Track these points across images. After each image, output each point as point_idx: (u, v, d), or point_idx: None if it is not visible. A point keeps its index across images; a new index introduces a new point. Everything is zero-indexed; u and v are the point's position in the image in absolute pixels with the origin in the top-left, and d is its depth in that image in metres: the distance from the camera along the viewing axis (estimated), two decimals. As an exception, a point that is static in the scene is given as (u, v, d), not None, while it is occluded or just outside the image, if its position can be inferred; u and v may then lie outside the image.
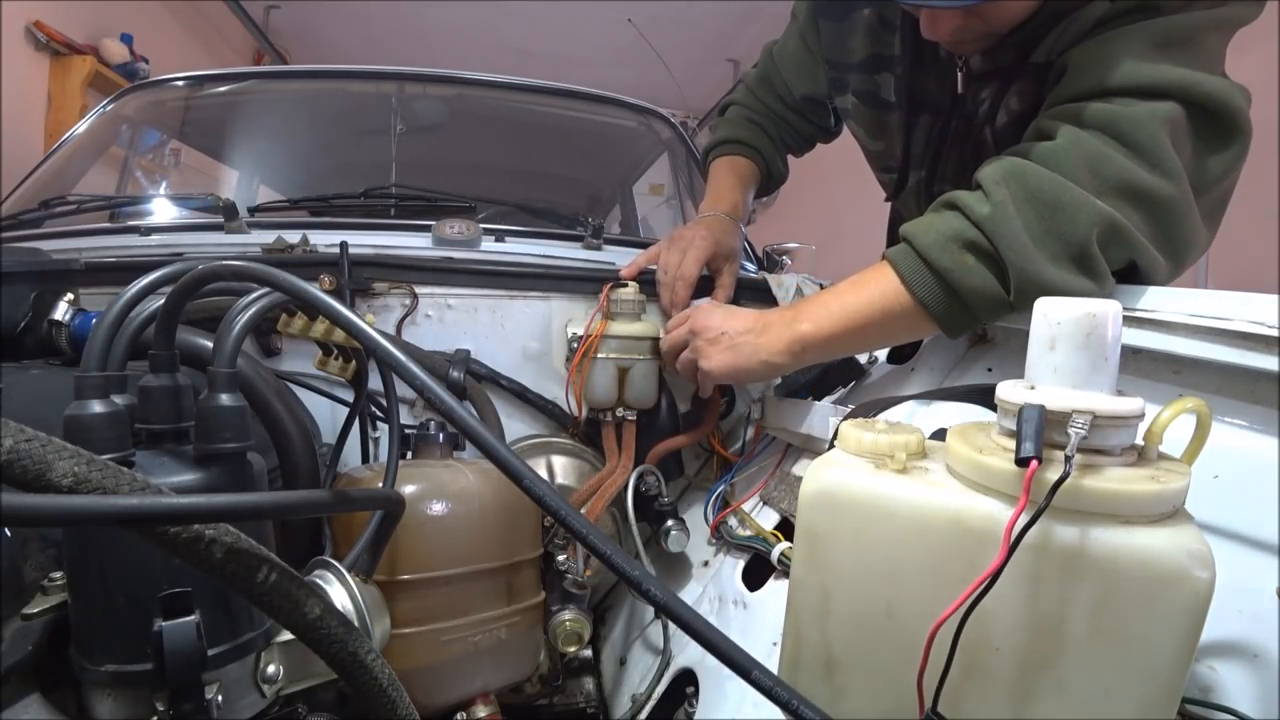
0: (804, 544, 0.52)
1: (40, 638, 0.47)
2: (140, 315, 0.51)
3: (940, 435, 0.52)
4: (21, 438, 0.33)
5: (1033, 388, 0.44)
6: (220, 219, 1.17)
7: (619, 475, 0.96)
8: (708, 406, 1.04)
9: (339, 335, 0.70)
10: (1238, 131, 0.69)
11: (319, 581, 0.55)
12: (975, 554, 0.43)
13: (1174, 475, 0.42)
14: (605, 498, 0.93)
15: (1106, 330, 0.43)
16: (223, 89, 1.74)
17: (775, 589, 0.79)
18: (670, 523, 0.93)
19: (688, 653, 0.85)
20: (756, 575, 0.83)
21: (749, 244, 1.63)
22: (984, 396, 0.55)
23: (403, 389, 0.84)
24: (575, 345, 0.99)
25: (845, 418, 0.56)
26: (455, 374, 0.97)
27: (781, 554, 0.78)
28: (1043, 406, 0.41)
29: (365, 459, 0.89)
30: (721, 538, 0.91)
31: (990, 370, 0.78)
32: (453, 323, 1.03)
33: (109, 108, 1.70)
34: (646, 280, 1.03)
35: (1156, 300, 0.63)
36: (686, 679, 0.83)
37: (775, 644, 0.72)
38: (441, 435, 0.83)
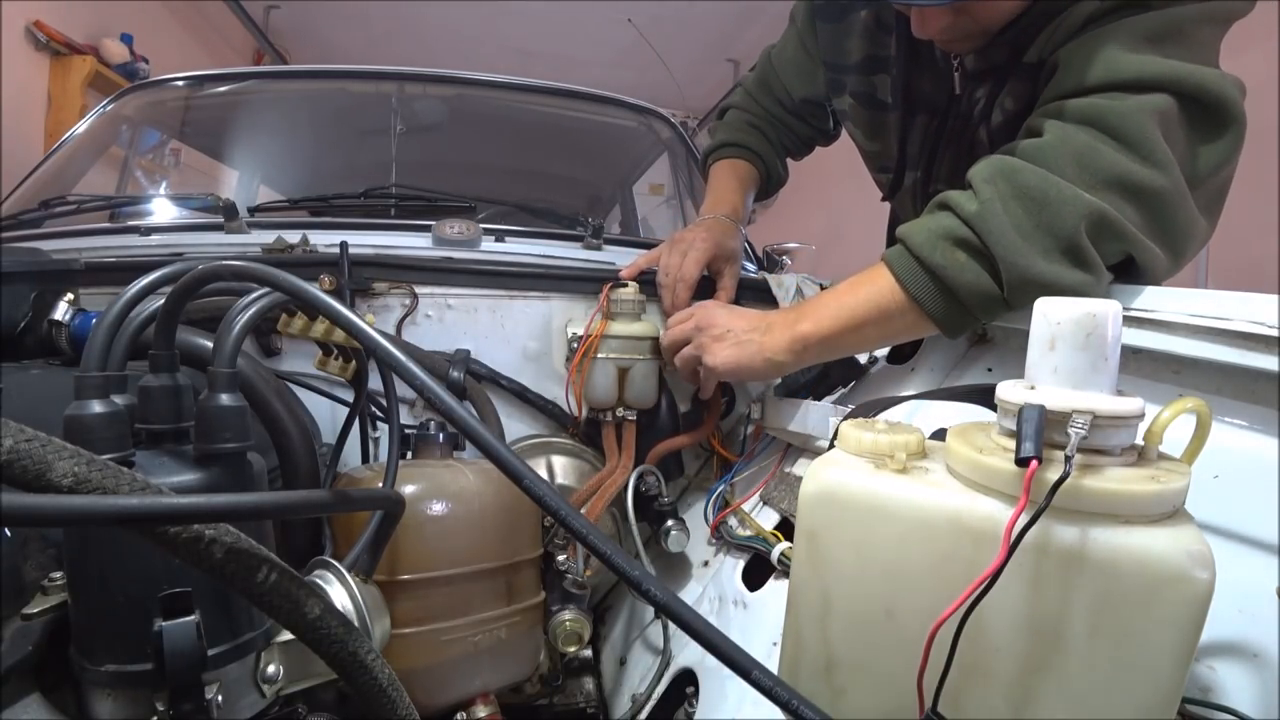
0: (804, 544, 0.52)
1: (40, 638, 0.47)
2: (140, 315, 0.51)
3: (940, 435, 0.52)
4: (21, 438, 0.33)
5: (1033, 388, 0.44)
6: (220, 219, 1.17)
7: (619, 475, 0.96)
8: (708, 407, 1.04)
9: (339, 335, 0.70)
10: (1231, 121, 0.69)
11: (319, 581, 0.55)
12: (975, 554, 0.43)
13: (1174, 475, 0.42)
14: (605, 498, 0.93)
15: (1106, 330, 0.43)
16: (223, 89, 1.74)
17: (775, 589, 0.79)
18: (670, 523, 0.93)
19: (688, 653, 0.85)
20: (756, 575, 0.83)
21: (749, 244, 1.63)
22: (984, 396, 0.55)
23: (403, 389, 0.84)
24: (575, 345, 0.99)
25: (845, 418, 0.56)
26: (455, 374, 0.97)
27: (781, 554, 0.78)
28: (1043, 406, 0.41)
29: (365, 459, 0.89)
30: (721, 538, 0.91)
31: (990, 370, 0.78)
32: (453, 323, 1.03)
33: (109, 108, 1.70)
34: (646, 280, 1.03)
35: (1156, 300, 0.63)
36: (686, 679, 0.83)
37: (775, 644, 0.72)
38: (441, 435, 0.83)
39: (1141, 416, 0.43)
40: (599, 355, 0.97)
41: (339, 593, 0.54)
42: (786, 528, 0.81)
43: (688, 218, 1.76)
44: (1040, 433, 0.40)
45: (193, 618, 0.44)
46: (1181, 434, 0.44)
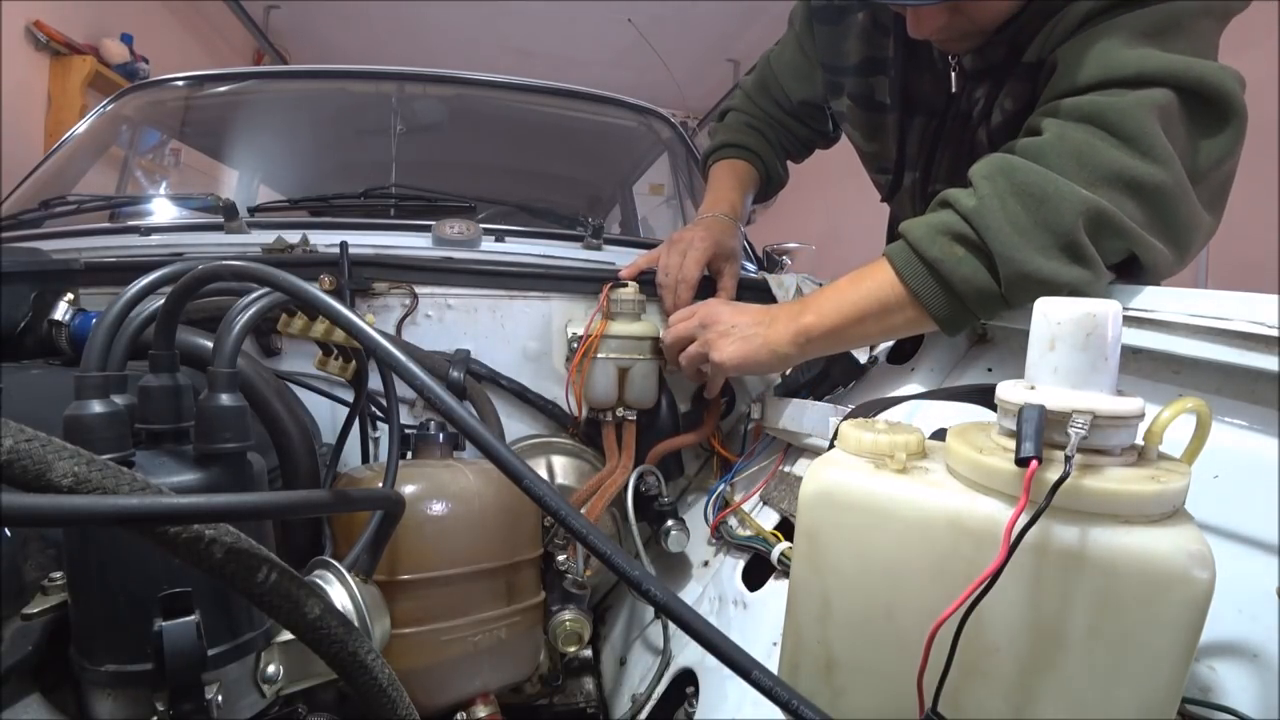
0: (804, 544, 0.52)
1: (40, 638, 0.47)
2: (140, 315, 0.51)
3: (940, 435, 0.52)
4: (21, 438, 0.33)
5: (1033, 388, 0.44)
6: (220, 219, 1.17)
7: (619, 475, 0.96)
8: (708, 406, 1.04)
9: (339, 335, 0.70)
10: (1232, 114, 0.69)
11: (319, 581, 0.55)
12: (975, 554, 0.43)
13: (1174, 475, 0.42)
14: (605, 498, 0.93)
15: (1106, 330, 0.43)
16: (223, 89, 1.73)
17: (775, 589, 0.79)
18: (670, 523, 0.93)
19: (688, 653, 0.85)
20: (756, 575, 0.83)
21: (749, 244, 1.63)
22: (984, 396, 0.55)
23: (403, 389, 0.84)
24: (575, 345, 0.99)
25: (845, 418, 0.56)
26: (455, 374, 0.97)
27: (781, 554, 0.78)
28: (1043, 406, 0.41)
29: (365, 459, 0.89)
30: (721, 538, 0.91)
31: (990, 370, 0.78)
32: (453, 323, 1.03)
33: (109, 108, 1.70)
34: (646, 280, 1.03)
35: (1156, 300, 0.63)
36: (686, 679, 0.83)
37: (775, 644, 0.72)
38: (441, 435, 0.83)
39: (1141, 416, 0.43)
40: (599, 355, 0.97)
41: (339, 593, 0.54)
42: (786, 528, 0.81)
43: (688, 218, 1.76)
44: (1040, 433, 0.40)
45: (193, 618, 0.44)
46: (1181, 434, 0.44)
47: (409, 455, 0.82)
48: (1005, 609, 0.43)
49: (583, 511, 0.82)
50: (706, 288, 1.02)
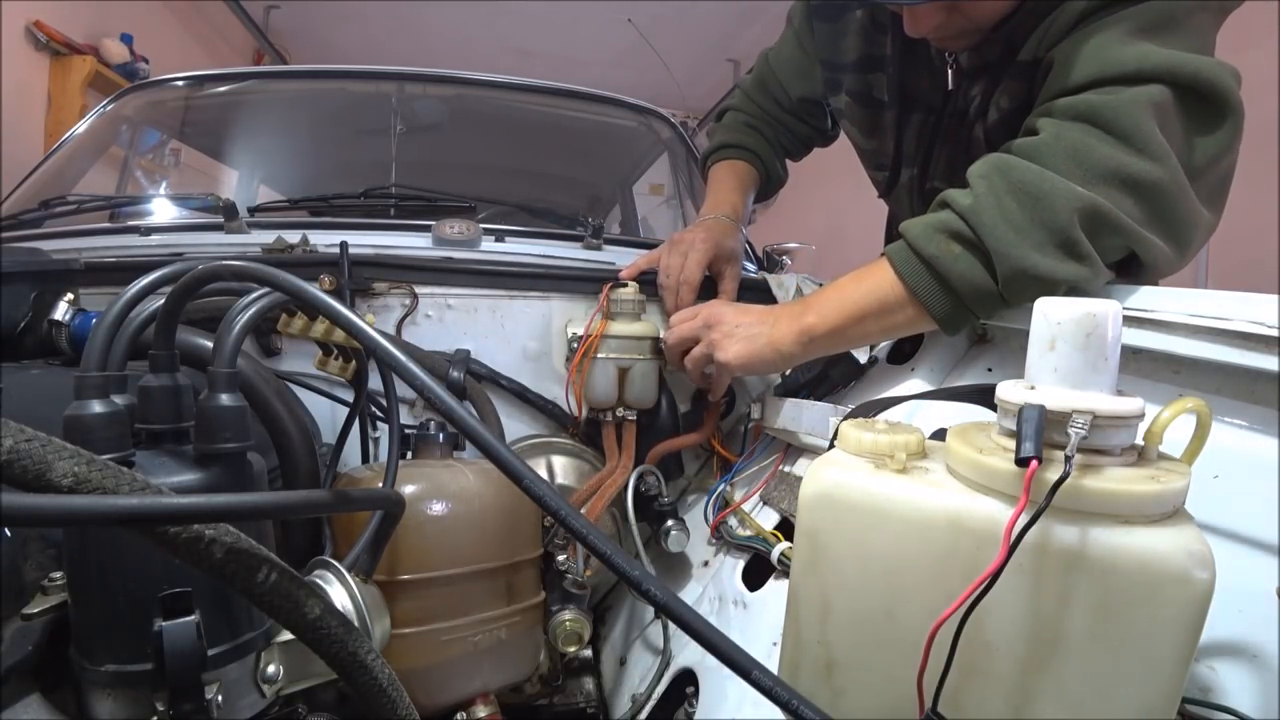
0: (804, 544, 0.52)
1: (40, 638, 0.47)
2: (140, 315, 0.51)
3: (940, 435, 0.52)
4: (21, 438, 0.33)
5: (1033, 388, 0.44)
6: (220, 219, 1.17)
7: (619, 475, 0.96)
8: (708, 407, 1.04)
9: (339, 335, 0.70)
10: (1228, 110, 0.69)
11: (319, 581, 0.55)
12: (975, 554, 0.43)
13: (1174, 475, 0.42)
14: (605, 498, 0.93)
15: (1106, 330, 0.43)
16: (223, 89, 1.73)
17: (775, 589, 0.79)
18: (670, 523, 0.93)
19: (688, 653, 0.85)
20: (756, 575, 0.83)
21: (749, 244, 1.63)
22: (984, 396, 0.55)
23: (403, 389, 0.84)
24: (575, 345, 0.99)
25: (845, 418, 0.56)
26: (455, 374, 0.97)
27: (781, 554, 0.78)
28: (1043, 406, 0.41)
29: (365, 459, 0.89)
30: (721, 538, 0.91)
31: (990, 370, 0.78)
32: (453, 323, 1.03)
33: (109, 108, 1.70)
34: (646, 281, 1.03)
35: (1156, 300, 0.63)
36: (686, 679, 0.83)
37: (775, 644, 0.72)
38: (441, 435, 0.83)
39: (1141, 416, 0.43)
40: (599, 355, 0.97)
41: (339, 593, 0.54)
42: (786, 528, 0.81)
43: (688, 218, 1.76)
44: (1040, 433, 0.40)
45: (193, 618, 0.44)
46: (1181, 434, 0.44)
47: (409, 455, 0.82)
48: (1005, 609, 0.43)
49: (583, 511, 0.82)
50: (708, 289, 1.02)
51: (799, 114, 1.19)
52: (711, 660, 0.49)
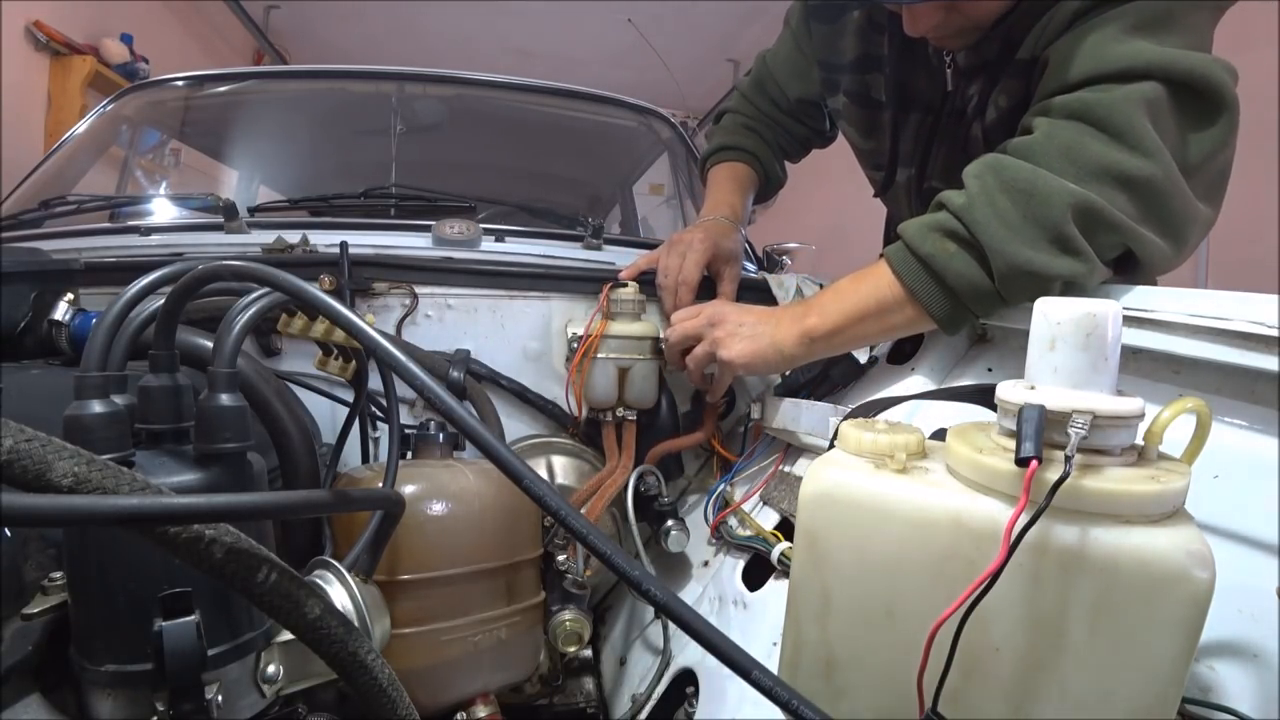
0: (804, 544, 0.52)
1: (40, 638, 0.47)
2: (140, 315, 0.51)
3: (940, 435, 0.52)
4: (21, 438, 0.33)
5: (1033, 388, 0.44)
6: (220, 219, 1.17)
7: (619, 475, 0.96)
8: (708, 407, 1.04)
9: (339, 335, 0.70)
10: (1223, 107, 0.69)
11: (319, 581, 0.55)
12: (975, 554, 0.43)
13: (1174, 475, 0.42)
14: (605, 498, 0.93)
15: (1106, 330, 0.43)
16: (223, 89, 1.73)
17: (775, 589, 0.79)
18: (670, 523, 0.93)
19: (688, 653, 0.85)
20: (756, 575, 0.83)
21: (749, 244, 1.63)
22: (984, 396, 0.55)
23: (403, 389, 0.84)
24: (575, 345, 0.99)
25: (845, 418, 0.56)
26: (455, 374, 0.97)
27: (781, 554, 0.78)
28: (1043, 406, 0.41)
29: (365, 459, 0.89)
30: (721, 538, 0.91)
31: (990, 370, 0.78)
32: (453, 323, 1.03)
33: (109, 108, 1.70)
34: (646, 280, 1.03)
35: (1156, 300, 0.63)
36: (686, 679, 0.83)
37: (775, 644, 0.72)
38: (441, 435, 0.83)
39: (1141, 416, 0.43)
40: (599, 355, 0.97)
41: (339, 593, 0.54)
42: (786, 528, 0.81)
43: (688, 218, 1.76)
44: (1040, 433, 0.40)
45: (193, 618, 0.44)
46: (1181, 434, 0.44)
47: (409, 455, 0.82)
48: (1005, 609, 0.43)
49: (583, 511, 0.82)
50: (706, 290, 1.02)
51: (797, 115, 1.20)
52: (711, 660, 0.49)
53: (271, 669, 0.51)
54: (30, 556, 0.51)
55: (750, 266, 1.52)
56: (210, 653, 0.46)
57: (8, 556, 0.49)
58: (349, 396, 0.89)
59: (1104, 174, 0.66)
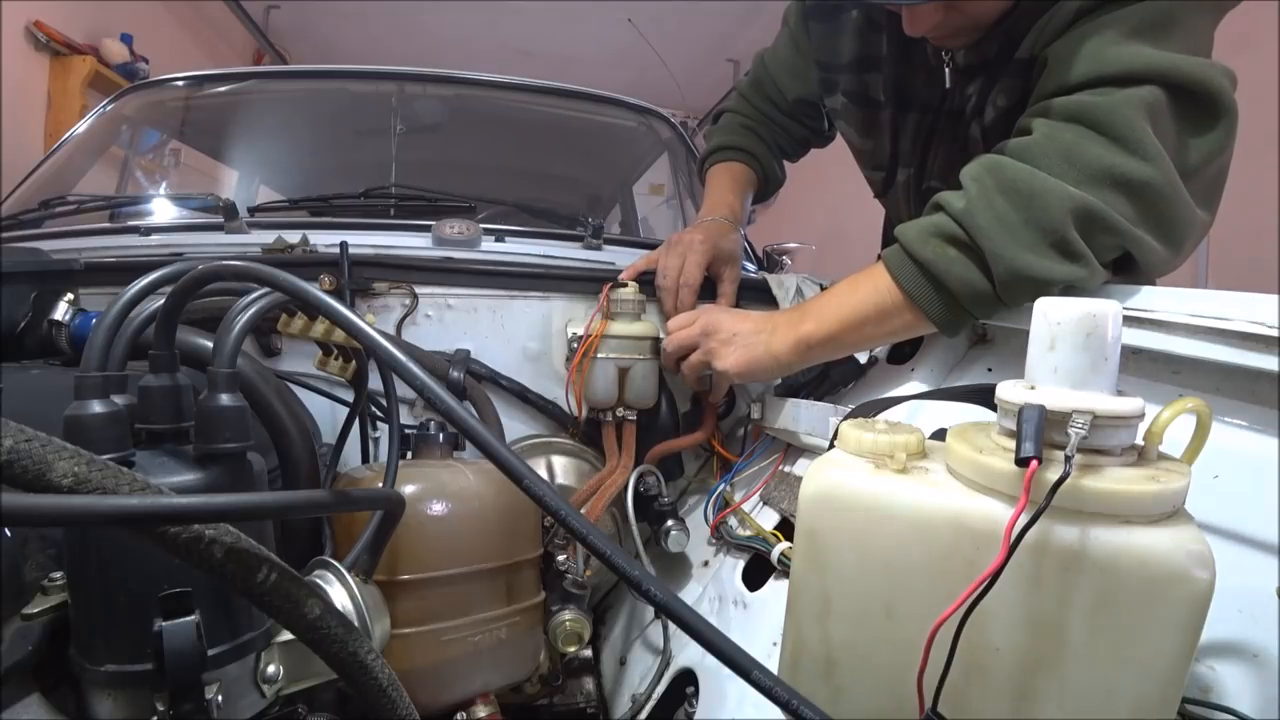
0: (804, 544, 0.52)
1: (40, 638, 0.47)
2: (140, 315, 0.51)
3: (940, 435, 0.52)
4: (21, 438, 0.33)
5: (1033, 388, 0.44)
6: (220, 219, 1.17)
7: (619, 475, 0.96)
8: (707, 408, 1.04)
9: (339, 335, 0.70)
10: (1221, 112, 0.69)
11: (319, 581, 0.55)
12: (975, 554, 0.43)
13: (1174, 475, 0.42)
14: (605, 498, 0.93)
15: (1106, 330, 0.43)
16: (223, 89, 1.73)
17: (775, 589, 0.79)
18: (670, 523, 0.93)
19: (688, 653, 0.85)
20: (756, 575, 0.83)
21: (749, 245, 1.63)
22: (984, 396, 0.55)
23: (403, 389, 0.84)
24: (575, 345, 0.99)
25: (845, 418, 0.56)
26: (455, 374, 0.97)
27: (781, 554, 0.78)
28: (1043, 406, 0.41)
29: (365, 459, 0.89)
30: (721, 538, 0.91)
31: (990, 370, 0.78)
32: (453, 323, 1.03)
33: (109, 108, 1.70)
34: (646, 280, 1.03)
35: (1156, 300, 0.63)
36: (686, 679, 0.83)
37: (775, 644, 0.72)
38: (441, 435, 0.83)
39: (1141, 416, 0.43)
40: (599, 355, 0.97)
41: (339, 593, 0.54)
42: (786, 528, 0.81)
43: (688, 218, 1.76)
44: (1040, 433, 0.40)
45: (193, 618, 0.44)
46: (1181, 434, 0.44)
47: (409, 455, 0.82)
48: (1005, 609, 0.43)
49: (583, 511, 0.82)
50: (707, 291, 1.02)
51: (795, 115, 1.19)
52: (711, 660, 0.49)
53: (271, 669, 0.51)
54: (30, 556, 0.51)
55: (750, 266, 1.52)
56: (210, 653, 0.46)
57: (8, 556, 0.49)
58: (349, 396, 0.89)
59: (1103, 177, 0.66)
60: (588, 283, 1.04)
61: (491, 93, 1.74)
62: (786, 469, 0.90)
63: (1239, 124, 0.70)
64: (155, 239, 1.16)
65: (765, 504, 0.88)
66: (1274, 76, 2.22)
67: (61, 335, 0.79)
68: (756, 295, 1.05)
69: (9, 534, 0.49)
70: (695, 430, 1.03)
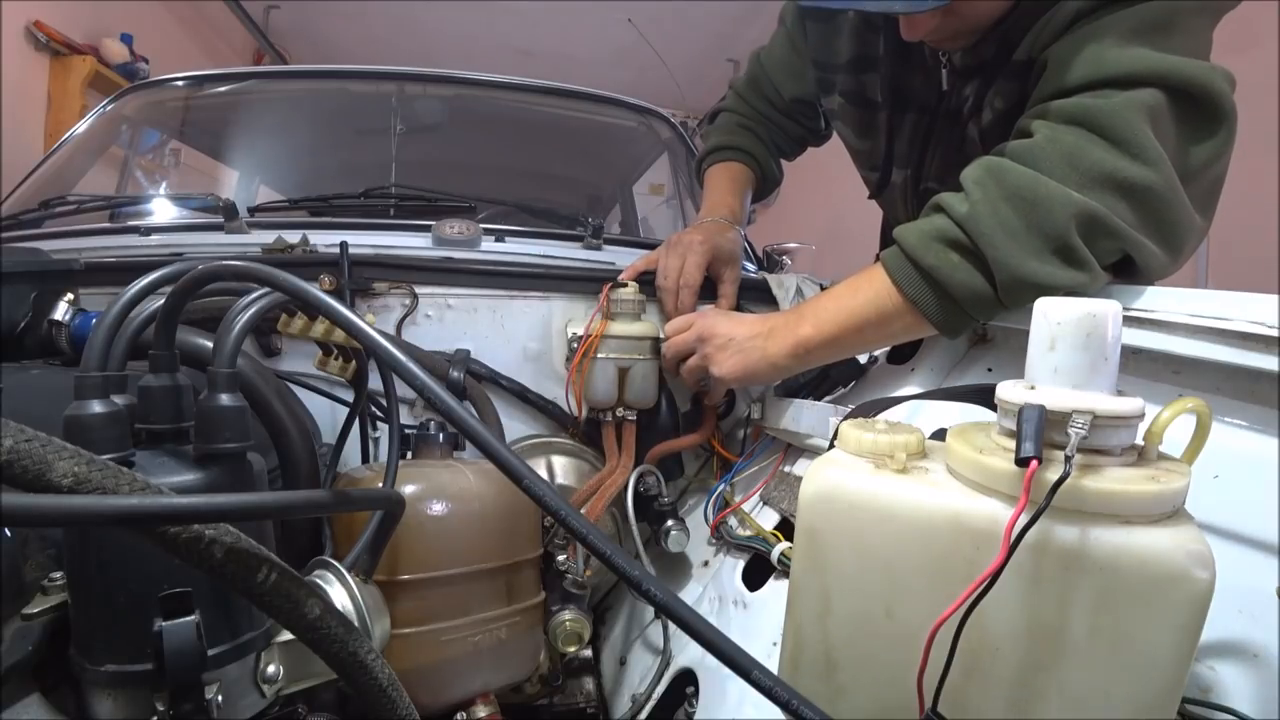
0: (804, 544, 0.52)
1: (40, 638, 0.47)
2: (140, 315, 0.51)
3: (940, 435, 0.52)
4: (21, 438, 0.33)
5: (1033, 388, 0.44)
6: (220, 219, 1.17)
7: (619, 475, 0.96)
8: (707, 408, 1.04)
9: (339, 335, 0.70)
10: (1222, 116, 0.69)
11: (319, 581, 0.55)
12: (975, 554, 0.43)
13: (1174, 475, 0.42)
14: (605, 498, 0.93)
15: (1106, 330, 0.43)
16: (223, 89, 1.73)
17: (775, 589, 0.79)
18: (670, 523, 0.93)
19: (688, 653, 0.85)
20: (756, 575, 0.83)
21: (749, 245, 1.63)
22: (984, 396, 0.55)
23: (403, 389, 0.84)
24: (575, 345, 0.99)
25: (845, 418, 0.56)
26: (455, 374, 0.97)
27: (781, 554, 0.78)
28: (1043, 406, 0.41)
29: (365, 459, 0.89)
30: (721, 538, 0.91)
31: (990, 370, 0.78)
32: (453, 323, 1.03)
33: (109, 108, 1.70)
34: (646, 280, 1.03)
35: (1156, 300, 0.63)
36: (686, 679, 0.83)
37: (775, 644, 0.72)
38: (441, 435, 0.83)
39: (1141, 416, 0.43)
40: (599, 355, 0.97)
41: (339, 593, 0.54)
42: (786, 528, 0.81)
43: (688, 218, 1.76)
44: (1040, 433, 0.40)
45: (193, 618, 0.44)
46: (1181, 434, 0.44)
47: (409, 455, 0.82)
48: (1005, 609, 0.43)
49: (583, 511, 0.82)
50: (707, 291, 1.02)
51: (792, 114, 1.19)
52: (711, 660, 0.49)
53: (271, 669, 0.51)
54: (30, 556, 0.51)
55: (750, 266, 1.52)
56: (210, 653, 0.46)
57: (8, 556, 0.49)
58: (349, 396, 0.89)
59: (1105, 180, 0.66)
60: (588, 283, 1.04)
61: (491, 93, 1.74)
62: (786, 469, 0.90)
63: (1238, 124, 0.70)
64: (155, 239, 1.16)
65: (765, 504, 0.89)
66: (1274, 76, 2.22)
67: (61, 335, 0.79)
68: (756, 295, 1.05)
69: (9, 534, 0.49)
70: (695, 430, 1.03)
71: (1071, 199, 0.65)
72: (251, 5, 4.68)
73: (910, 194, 1.04)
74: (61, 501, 0.34)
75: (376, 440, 0.95)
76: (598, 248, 1.28)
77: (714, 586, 0.88)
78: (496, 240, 1.21)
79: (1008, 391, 0.45)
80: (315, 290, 0.48)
